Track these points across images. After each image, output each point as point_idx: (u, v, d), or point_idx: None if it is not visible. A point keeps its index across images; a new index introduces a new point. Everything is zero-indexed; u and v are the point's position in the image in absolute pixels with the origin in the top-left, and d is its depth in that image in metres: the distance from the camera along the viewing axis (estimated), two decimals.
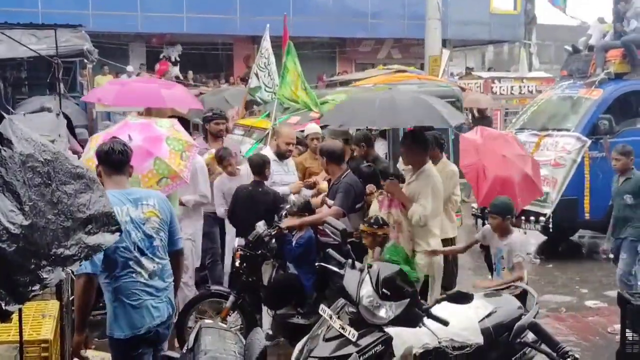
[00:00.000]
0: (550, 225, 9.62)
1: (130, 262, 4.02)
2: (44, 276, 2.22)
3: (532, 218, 9.61)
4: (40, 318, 4.62)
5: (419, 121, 6.26)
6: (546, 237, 10.92)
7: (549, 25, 27.83)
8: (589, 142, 9.73)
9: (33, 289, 2.15)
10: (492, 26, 25.97)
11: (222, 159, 7.12)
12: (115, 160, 4.14)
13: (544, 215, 9.60)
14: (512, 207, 5.78)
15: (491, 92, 16.96)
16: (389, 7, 24.13)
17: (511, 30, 26.26)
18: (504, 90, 17.01)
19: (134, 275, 4.03)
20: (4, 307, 2.01)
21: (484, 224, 9.94)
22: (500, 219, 5.64)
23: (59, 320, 4.59)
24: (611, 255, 7.50)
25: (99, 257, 3.85)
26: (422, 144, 5.96)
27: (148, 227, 4.10)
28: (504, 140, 8.06)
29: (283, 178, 7.12)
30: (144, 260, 4.06)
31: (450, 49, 22.69)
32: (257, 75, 9.39)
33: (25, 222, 2.16)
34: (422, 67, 17.85)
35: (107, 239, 2.64)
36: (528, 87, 17.59)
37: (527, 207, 8.97)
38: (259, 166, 6.63)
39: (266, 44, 9.42)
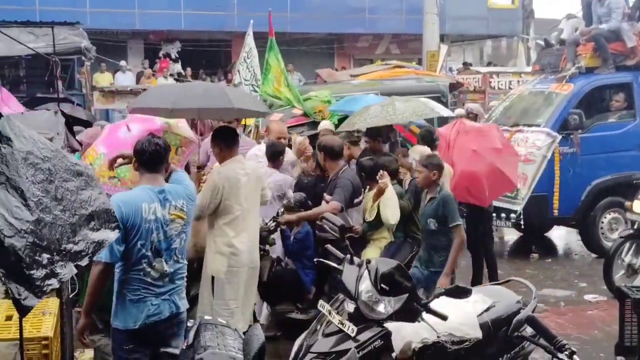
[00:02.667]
0: (522, 222, 9.54)
1: (143, 260, 4.05)
2: (58, 271, 2.25)
3: (503, 215, 9.54)
4: (41, 315, 4.63)
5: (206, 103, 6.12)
6: (521, 234, 10.94)
7: (547, 20, 27.79)
8: (559, 137, 9.56)
9: (49, 283, 2.18)
10: (490, 21, 25.94)
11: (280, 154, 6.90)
12: (147, 159, 4.18)
13: (515, 212, 9.50)
14: None
15: (489, 87, 16.95)
16: (386, 2, 24.10)
17: (509, 24, 26.22)
18: (502, 85, 16.98)
19: (141, 273, 4.06)
20: (23, 302, 2.03)
21: None
22: None
23: (59, 317, 4.61)
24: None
25: (118, 248, 3.93)
26: (224, 141, 5.57)
27: (171, 228, 4.12)
28: (479, 133, 8.10)
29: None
30: (157, 261, 4.08)
31: (448, 44, 22.66)
32: (239, 72, 9.39)
33: (31, 218, 2.19)
34: (420, 62, 17.84)
35: (109, 235, 2.66)
36: (526, 81, 17.60)
37: (498, 204, 9.01)
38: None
39: (249, 39, 9.40)
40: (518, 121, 10.35)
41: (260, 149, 7.26)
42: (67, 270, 2.27)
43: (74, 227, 2.39)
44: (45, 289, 2.13)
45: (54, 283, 2.19)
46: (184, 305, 4.28)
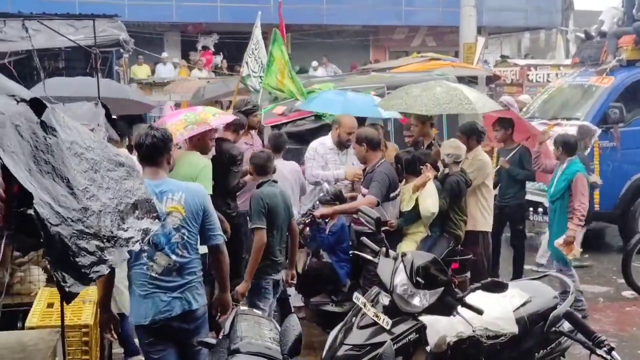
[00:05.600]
0: None
1: (143, 254, 4.00)
2: (107, 257, 2.26)
3: (540, 209, 9.32)
4: (81, 304, 4.73)
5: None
6: None
7: (587, 12, 27.31)
8: (599, 131, 9.38)
9: (96, 269, 2.19)
10: (529, 12, 25.56)
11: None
12: (143, 152, 4.12)
13: None
14: None
15: (527, 80, 16.73)
16: None
17: (548, 16, 25.82)
18: (540, 77, 16.74)
19: (144, 268, 4.02)
20: (67, 289, 2.06)
21: None
22: None
23: None
24: None
25: None
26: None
27: (168, 222, 4.02)
28: None
29: (339, 168, 7.09)
30: (157, 255, 4.01)
31: (486, 36, 22.41)
32: (247, 63, 9.32)
33: (78, 206, 2.20)
34: (456, 55, 17.67)
35: (152, 225, 2.68)
36: (565, 74, 17.32)
37: (536, 199, 8.95)
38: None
39: (257, 31, 9.32)
40: (557, 114, 10.21)
41: (326, 139, 7.26)
42: (117, 256, 2.29)
43: (122, 214, 2.42)
44: (92, 275, 2.14)
45: (102, 269, 2.20)
46: (199, 302, 4.15)
